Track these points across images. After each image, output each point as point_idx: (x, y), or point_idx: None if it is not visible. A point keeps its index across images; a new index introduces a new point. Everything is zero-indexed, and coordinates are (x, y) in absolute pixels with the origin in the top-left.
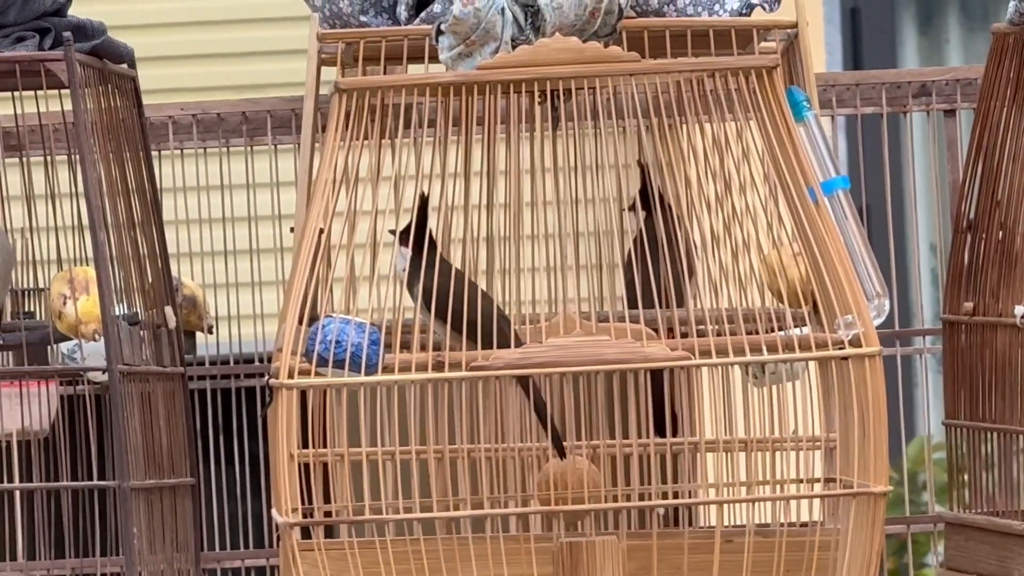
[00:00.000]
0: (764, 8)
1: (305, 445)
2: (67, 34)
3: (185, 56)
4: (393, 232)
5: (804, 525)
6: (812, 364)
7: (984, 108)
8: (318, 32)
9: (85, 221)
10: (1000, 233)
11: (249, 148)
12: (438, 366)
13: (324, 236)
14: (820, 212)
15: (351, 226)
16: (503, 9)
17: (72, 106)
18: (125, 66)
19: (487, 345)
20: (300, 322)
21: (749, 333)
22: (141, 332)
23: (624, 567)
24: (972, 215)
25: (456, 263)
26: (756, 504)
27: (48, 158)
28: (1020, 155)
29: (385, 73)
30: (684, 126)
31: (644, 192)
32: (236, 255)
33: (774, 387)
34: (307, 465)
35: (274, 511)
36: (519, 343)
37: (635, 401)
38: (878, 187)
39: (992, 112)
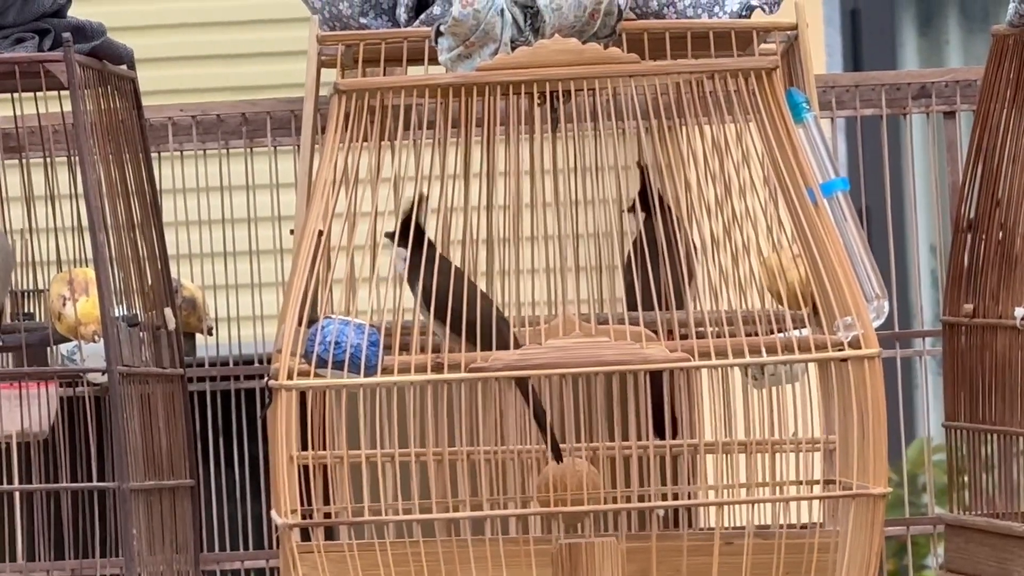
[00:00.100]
0: (764, 10)
1: (304, 447)
2: (66, 35)
3: (184, 57)
4: (389, 235)
5: (804, 527)
6: (811, 366)
7: (984, 110)
8: (318, 34)
9: (85, 222)
10: (1000, 235)
11: (248, 149)
12: (437, 367)
13: (323, 237)
14: (819, 214)
15: (351, 227)
16: (502, 10)
17: (71, 107)
18: (125, 67)
19: (486, 346)
20: (299, 323)
21: (748, 335)
22: (141, 333)
23: (623, 569)
24: (972, 216)
25: (456, 264)
26: (756, 506)
27: (48, 159)
28: (1020, 157)
29: (385, 75)
30: (684, 128)
31: (643, 194)
32: (236, 256)
33: (773, 389)
34: (306, 467)
35: (273, 512)
36: (517, 345)
37: (635, 403)
38: (878, 189)
39: (992, 114)
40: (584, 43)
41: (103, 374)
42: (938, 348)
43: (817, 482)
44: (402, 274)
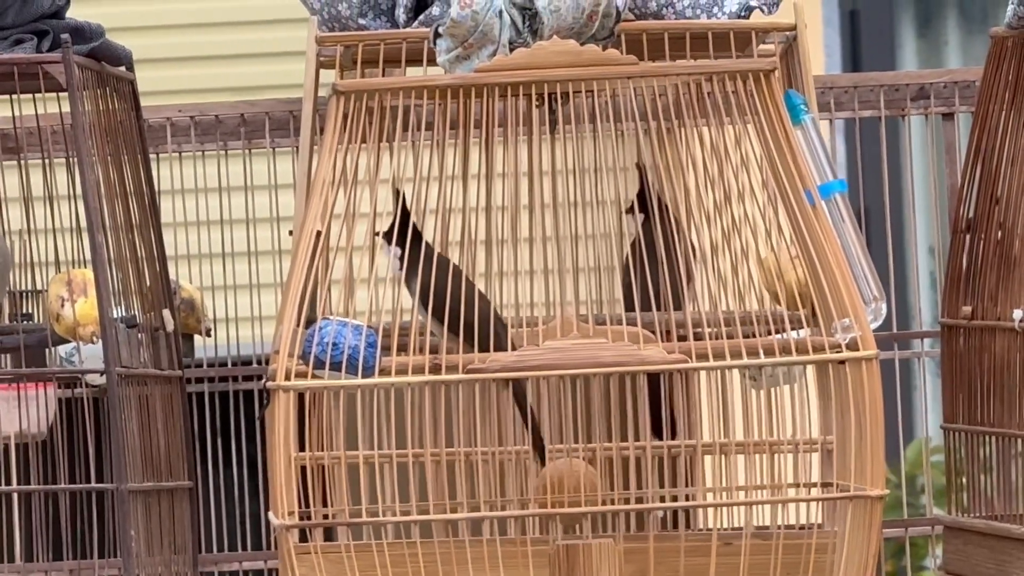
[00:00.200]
0: (763, 11)
1: (302, 448)
2: (65, 36)
3: (183, 58)
4: (379, 235)
5: (804, 527)
6: (810, 367)
7: (982, 111)
8: (316, 35)
9: (83, 223)
10: (999, 236)
11: (247, 150)
12: (435, 369)
13: (322, 238)
14: (817, 216)
15: (349, 228)
16: (501, 12)
17: (70, 108)
18: (123, 68)
19: (483, 347)
20: (298, 324)
21: (746, 336)
22: (139, 335)
23: (621, 570)
24: (970, 217)
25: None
26: (754, 507)
27: (46, 160)
28: (1018, 158)
29: (383, 76)
30: (682, 131)
31: (642, 195)
32: (234, 257)
33: (772, 390)
34: (304, 468)
35: (270, 513)
36: (513, 346)
37: (632, 404)
38: (876, 190)
39: (990, 115)
40: (582, 44)
41: (101, 375)
42: (937, 350)
43: (815, 484)
44: (396, 272)
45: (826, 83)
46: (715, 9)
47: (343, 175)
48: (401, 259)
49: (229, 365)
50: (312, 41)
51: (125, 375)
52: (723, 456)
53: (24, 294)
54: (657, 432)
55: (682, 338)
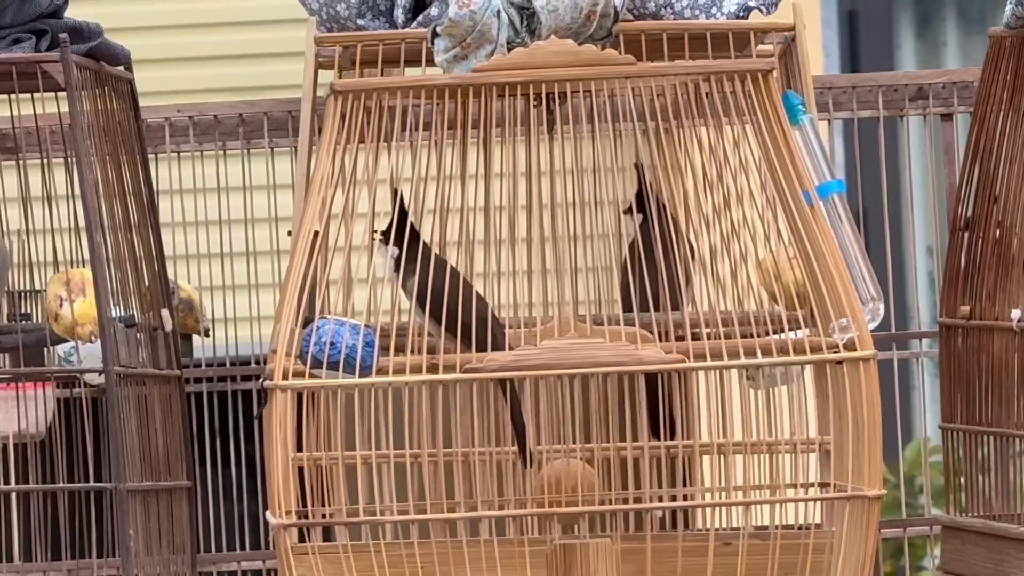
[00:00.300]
0: (761, 11)
1: (300, 448)
2: (64, 36)
3: (182, 58)
4: (377, 234)
5: (804, 527)
6: (808, 367)
7: (981, 111)
8: (315, 35)
9: (82, 223)
10: (997, 234)
11: (246, 150)
12: (432, 368)
13: (320, 238)
14: (815, 216)
15: (347, 228)
16: (499, 12)
17: (69, 108)
18: (122, 68)
19: (481, 347)
20: (295, 323)
21: (744, 336)
22: (138, 334)
23: (618, 570)
24: (968, 215)
25: (451, 263)
26: (752, 507)
27: (45, 160)
28: (1016, 158)
29: (382, 76)
30: (681, 133)
31: (640, 195)
32: (232, 257)
33: (770, 390)
34: (301, 468)
35: (268, 513)
36: (510, 347)
37: (630, 404)
38: (875, 190)
39: (989, 115)
40: (580, 44)
41: (100, 375)
42: (935, 350)
43: (812, 484)
44: (391, 271)
45: (825, 83)
46: (713, 9)
47: (341, 175)
48: (397, 259)
49: (227, 365)
50: (311, 41)
51: (124, 375)
52: (721, 456)
53: (23, 294)
54: (656, 432)
55: (680, 338)
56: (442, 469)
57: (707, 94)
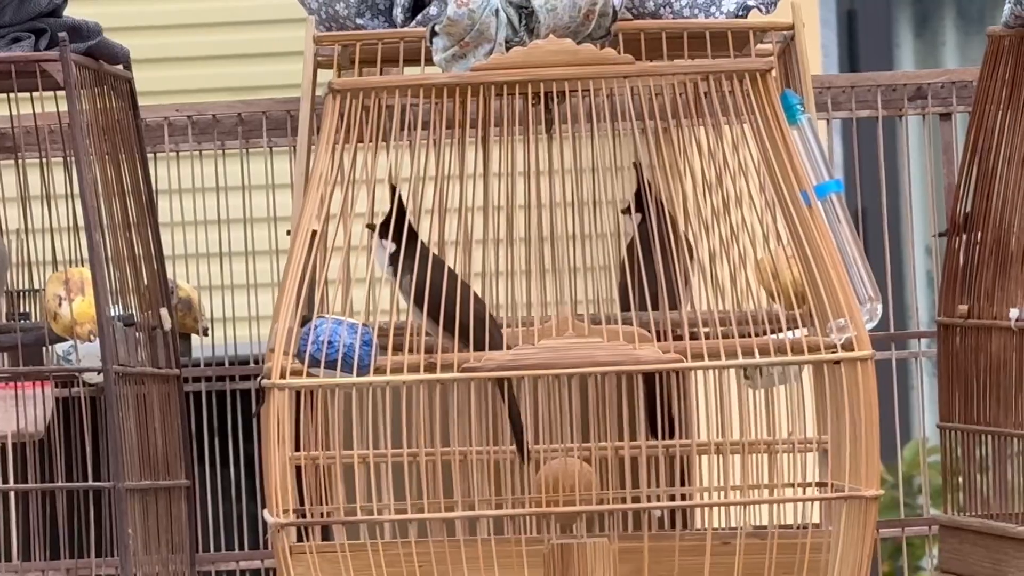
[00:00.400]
0: (760, 10)
1: (298, 447)
2: (63, 35)
3: (181, 58)
4: (370, 227)
5: (803, 527)
6: (806, 367)
7: (979, 111)
8: (314, 35)
9: (80, 222)
10: (996, 234)
11: (244, 150)
12: (430, 367)
13: (318, 237)
14: (813, 216)
15: (346, 227)
16: (497, 11)
17: (68, 107)
18: (121, 67)
19: (478, 347)
20: (293, 322)
21: (742, 335)
22: (136, 334)
23: (615, 569)
24: (967, 211)
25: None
26: (750, 506)
27: (44, 159)
28: (1015, 157)
29: (381, 75)
30: (680, 134)
31: (639, 195)
32: (231, 257)
33: (768, 390)
34: (299, 467)
35: (265, 512)
36: (508, 347)
37: (628, 404)
38: (874, 190)
39: (987, 114)
40: (579, 44)
41: (99, 374)
42: (934, 349)
43: (810, 484)
44: (385, 266)
45: (823, 83)
46: (713, 8)
47: (339, 174)
48: (394, 255)
49: (226, 364)
50: (310, 41)
51: (122, 374)
52: (719, 456)
53: (21, 293)
54: (654, 432)
55: (678, 338)
56: (440, 468)
57: (705, 94)
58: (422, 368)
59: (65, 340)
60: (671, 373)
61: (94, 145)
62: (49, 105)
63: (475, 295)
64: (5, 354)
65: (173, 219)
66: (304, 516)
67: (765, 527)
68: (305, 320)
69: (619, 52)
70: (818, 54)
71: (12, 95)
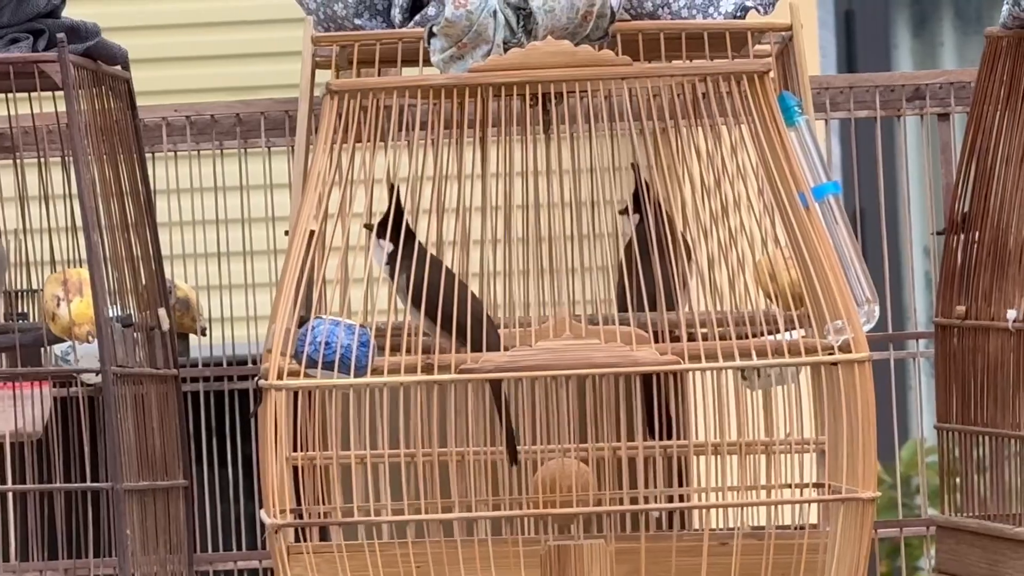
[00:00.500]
0: (758, 11)
1: (296, 448)
2: (61, 35)
3: (179, 58)
4: (368, 227)
5: (800, 528)
6: (804, 369)
7: (977, 111)
8: (312, 35)
9: (79, 223)
10: (994, 234)
11: (243, 150)
12: (428, 368)
13: (315, 237)
14: (811, 218)
15: (344, 227)
16: (495, 12)
17: (66, 107)
18: (119, 68)
19: (476, 347)
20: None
21: (740, 337)
22: (135, 334)
23: (613, 570)
24: (965, 211)
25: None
26: (748, 507)
27: (42, 160)
28: (1013, 158)
29: (379, 76)
30: (678, 136)
31: (637, 196)
32: (229, 257)
33: (766, 391)
34: (296, 468)
35: (262, 512)
36: (505, 348)
37: (626, 404)
38: (872, 190)
39: (985, 115)
40: (577, 45)
41: (97, 374)
42: (932, 350)
43: (807, 485)
44: (382, 265)
45: (822, 84)
46: (711, 9)
47: (337, 174)
48: (391, 255)
49: (224, 365)
50: (308, 41)
51: (120, 374)
52: (717, 457)
53: (20, 293)
54: (652, 432)
55: (676, 339)
56: (438, 469)
57: (703, 95)
58: (420, 369)
59: (63, 341)
60: (669, 374)
61: (92, 145)
62: (47, 106)
63: (473, 295)
64: (3, 354)
65: (171, 219)
66: (302, 517)
67: (763, 528)
68: (303, 321)
69: (617, 53)
70: (816, 55)
71: (10, 95)
